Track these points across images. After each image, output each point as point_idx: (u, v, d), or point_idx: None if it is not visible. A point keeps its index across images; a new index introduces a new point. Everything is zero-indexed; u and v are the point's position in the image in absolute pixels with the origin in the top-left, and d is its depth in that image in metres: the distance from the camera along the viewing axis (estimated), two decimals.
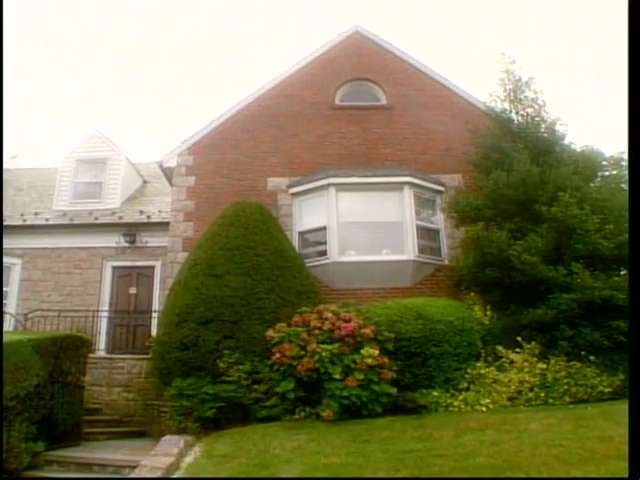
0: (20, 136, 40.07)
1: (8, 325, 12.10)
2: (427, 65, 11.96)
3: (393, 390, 7.01)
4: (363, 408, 6.79)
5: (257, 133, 11.42)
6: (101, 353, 11.64)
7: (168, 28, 44.63)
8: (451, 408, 7.26)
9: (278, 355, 7.21)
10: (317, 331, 7.35)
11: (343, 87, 11.85)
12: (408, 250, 9.91)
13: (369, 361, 6.92)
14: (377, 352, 7.07)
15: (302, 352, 7.08)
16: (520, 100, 10.24)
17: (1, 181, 13.27)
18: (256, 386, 7.33)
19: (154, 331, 10.17)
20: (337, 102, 11.71)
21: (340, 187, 10.36)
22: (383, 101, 11.67)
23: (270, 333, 7.54)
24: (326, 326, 7.38)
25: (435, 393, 7.41)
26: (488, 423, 5.98)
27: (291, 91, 11.76)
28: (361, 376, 6.82)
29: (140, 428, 9.04)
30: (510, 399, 7.40)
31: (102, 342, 12.22)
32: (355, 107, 11.54)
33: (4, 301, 12.86)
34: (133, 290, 13.18)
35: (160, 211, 13.65)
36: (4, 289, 12.96)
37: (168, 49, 46.81)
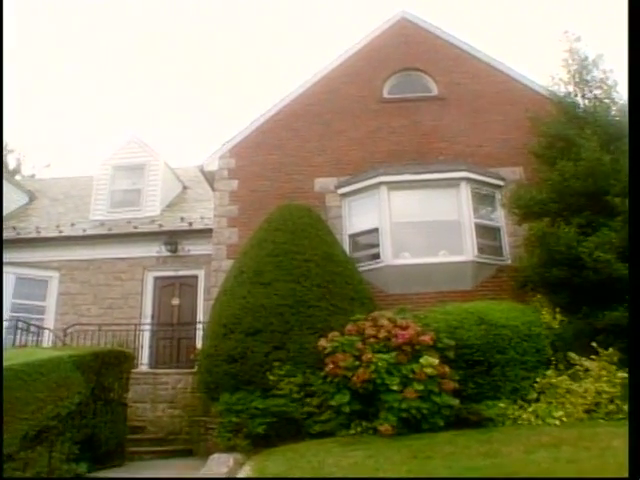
0: (54, 144, 41.78)
1: (47, 341, 12.37)
2: (481, 50, 11.81)
3: (455, 402, 6.89)
4: (423, 421, 6.70)
5: (302, 132, 11.51)
6: (144, 368, 11.75)
7: (203, 27, 45.60)
8: (520, 421, 7.07)
9: (331, 366, 7.16)
10: (372, 340, 7.30)
11: (391, 79, 11.83)
12: (467, 250, 9.80)
13: (429, 371, 6.83)
14: (437, 361, 6.97)
15: (357, 362, 7.03)
16: (586, 82, 9.97)
17: (1, 187, 13.81)
18: (308, 399, 7.31)
19: (199, 343, 10.27)
20: (385, 95, 11.69)
21: (392, 185, 10.35)
22: (435, 91, 11.59)
23: (322, 343, 7.52)
24: (382, 334, 7.33)
25: (501, 404, 7.24)
26: (563, 438, 5.76)
27: (336, 86, 11.81)
28: (420, 387, 6.73)
29: (186, 446, 9.08)
30: (587, 412, 7.14)
31: (145, 356, 12.32)
32: (405, 99, 11.50)
33: (42, 316, 13.22)
34: (176, 301, 13.33)
35: (202, 217, 13.79)
36: (41, 304, 13.38)
37: (202, 49, 47.80)
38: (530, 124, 10.22)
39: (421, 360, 6.95)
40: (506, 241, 10.20)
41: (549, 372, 7.60)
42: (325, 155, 11.22)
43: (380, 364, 6.87)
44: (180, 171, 16.84)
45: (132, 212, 14.72)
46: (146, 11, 46.29)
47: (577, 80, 10.04)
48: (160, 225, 13.95)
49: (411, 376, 6.83)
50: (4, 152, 31.13)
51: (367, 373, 6.85)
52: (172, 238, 13.51)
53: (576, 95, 10.00)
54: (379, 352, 7.09)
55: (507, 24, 40.09)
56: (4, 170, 18.90)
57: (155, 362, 12.43)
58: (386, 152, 11.03)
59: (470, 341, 7.59)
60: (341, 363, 7.09)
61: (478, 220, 10.14)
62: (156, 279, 13.61)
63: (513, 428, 6.82)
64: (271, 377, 7.55)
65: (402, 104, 11.43)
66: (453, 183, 10.29)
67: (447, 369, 7.01)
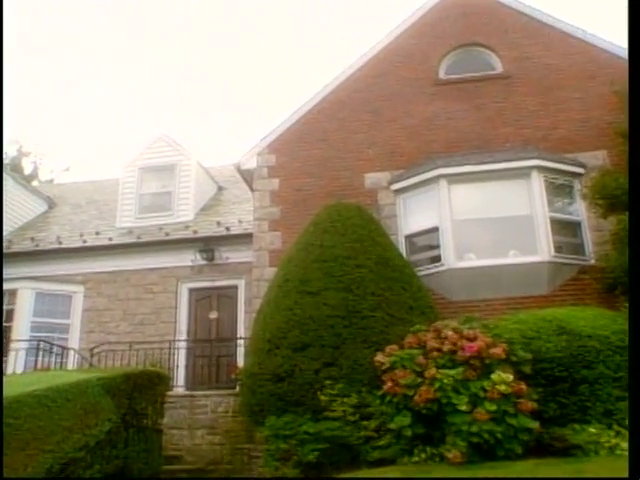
0: (73, 146, 43.00)
1: (72, 362, 12.51)
2: (553, 15, 11.56)
3: (535, 425, 6.65)
4: (498, 447, 6.49)
5: (348, 122, 11.55)
6: (180, 390, 11.84)
7: (229, 12, 46.17)
8: (618, 451, 6.66)
9: (390, 384, 7.06)
10: (435, 353, 7.19)
11: (448, 57, 11.77)
12: (542, 249, 9.62)
13: (502, 388, 6.64)
14: (511, 377, 6.77)
15: (419, 379, 6.90)
16: None
17: (1, 193, 14.10)
18: (365, 422, 7.22)
19: (241, 361, 10.31)
20: (442, 76, 11.64)
21: (452, 178, 10.28)
22: (499, 69, 11.45)
23: (379, 358, 7.47)
24: (446, 347, 7.20)
25: (592, 429, 6.92)
26: None
27: (385, 68, 11.80)
28: (493, 407, 6.54)
29: (229, 477, 9.07)
30: None
31: (181, 377, 12.37)
32: (464, 80, 11.42)
33: (66, 335, 13.48)
34: (214, 315, 13.42)
35: (241, 221, 13.91)
36: (65, 321, 13.65)
37: (229, 36, 48.43)
38: (616, 99, 9.96)
39: (492, 376, 6.78)
40: (588, 237, 9.98)
41: None
42: (376, 147, 11.20)
43: (445, 381, 6.73)
44: (214, 171, 17.04)
45: (163, 217, 14.91)
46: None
47: None
48: (194, 231, 14.08)
49: (481, 395, 6.66)
50: (20, 157, 32.22)
51: (431, 391, 6.73)
52: (208, 245, 13.61)
53: None
54: (444, 367, 6.97)
55: None
56: (19, 176, 19.48)
57: (192, 383, 12.46)
58: (444, 141, 10.98)
59: (549, 354, 7.35)
60: (401, 380, 6.98)
61: (554, 214, 9.94)
62: (191, 291, 13.71)
63: (609, 459, 6.42)
64: (322, 397, 7.51)
65: (461, 85, 11.36)
66: (523, 173, 10.14)
67: (523, 386, 6.79)
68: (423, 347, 7.35)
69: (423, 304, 8.69)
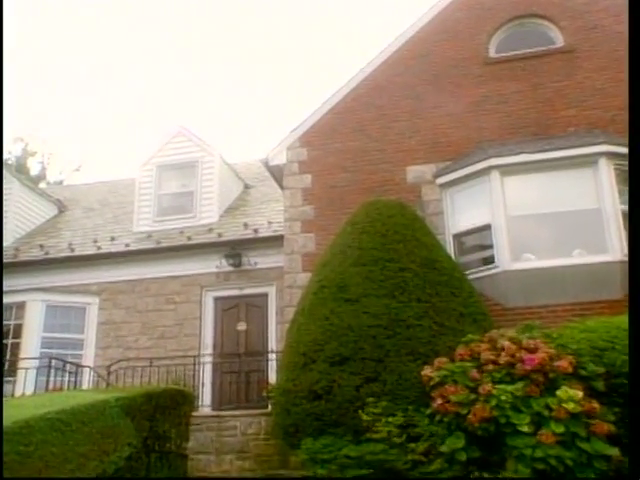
0: (84, 144, 43.57)
1: (87, 381, 12.55)
2: None
3: (613, 451, 6.34)
4: (568, 475, 6.25)
5: (388, 109, 11.51)
6: (206, 410, 11.80)
7: None
8: None
9: (440, 401, 6.93)
10: (491, 366, 7.03)
11: (499, 32, 11.64)
12: (613, 247, 9.45)
13: (570, 406, 6.40)
14: (581, 394, 6.52)
15: (473, 396, 6.72)
16: None
17: (0, 187, 14.28)
18: (413, 445, 7.06)
19: (273, 377, 10.39)
20: (492, 54, 11.53)
21: (506, 169, 10.19)
22: (559, 42, 11.28)
23: (427, 372, 7.38)
24: (503, 359, 7.04)
25: None
26: None
27: (428, 48, 11.74)
28: (560, 428, 6.30)
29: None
30: None
31: (207, 396, 12.37)
32: (519, 57, 11.28)
33: (80, 352, 13.57)
34: (242, 326, 13.43)
35: (270, 222, 13.92)
36: (78, 336, 13.73)
37: (249, 20, 48.66)
38: None
39: (558, 392, 6.55)
40: None
41: None
42: (418, 137, 11.15)
43: (503, 398, 6.53)
44: (240, 167, 17.15)
45: (184, 220, 14.99)
46: None
47: None
48: (219, 234, 14.12)
49: (546, 414, 6.45)
50: (25, 157, 32.63)
51: (487, 410, 6.54)
52: (234, 249, 13.64)
53: None
54: (501, 382, 6.80)
55: None
56: (24, 177, 19.83)
57: (219, 402, 12.49)
58: (496, 127, 10.91)
59: (626, 368, 7.00)
60: (452, 397, 6.82)
61: (626, 207, 9.56)
62: (217, 300, 13.75)
63: None
64: (364, 417, 7.42)
65: (515, 64, 11.23)
66: (589, 161, 9.97)
67: (596, 405, 6.54)
68: (477, 359, 7.25)
69: (475, 311, 8.65)
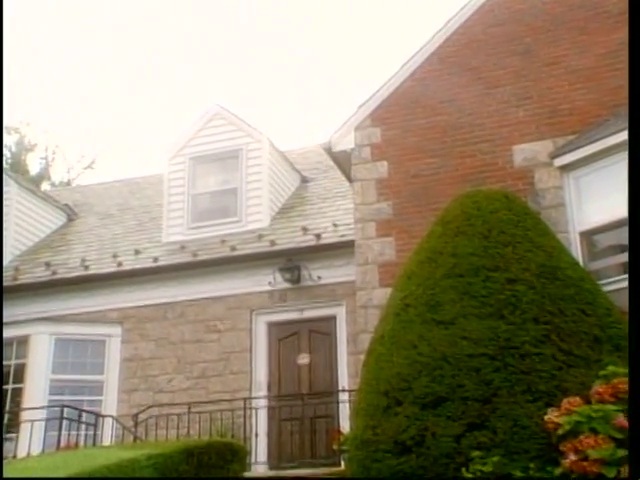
0: (98, 134, 42.48)
1: (109, 435, 11.63)
2: None
3: None
4: None
5: (486, 71, 10.41)
6: (261, 469, 11.06)
7: None
8: None
9: (573, 457, 6.17)
10: None
11: None
12: None
13: None
14: None
15: (621, 452, 5.98)
16: None
17: (1, 200, 13.46)
18: None
19: (346, 425, 9.38)
20: None
21: None
22: None
23: (552, 417, 6.57)
24: None
25: None
26: None
27: None
28: None
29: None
30: None
31: (261, 450, 11.53)
32: None
33: (99, 397, 12.61)
34: (305, 359, 12.42)
35: (336, 225, 12.88)
36: (97, 377, 12.74)
37: None
38: None
39: None
40: None
41: None
42: (528, 105, 10.09)
43: None
44: (295, 156, 16.39)
45: (226, 226, 13.89)
46: None
47: None
48: (271, 242, 13.02)
49: None
50: (23, 152, 30.75)
51: None
52: (291, 261, 12.61)
53: None
54: None
55: None
56: (22, 178, 19.08)
57: (277, 458, 11.54)
58: None
59: None
60: (591, 453, 6.10)
61: None
62: (271, 326, 12.72)
63: None
64: (469, 476, 6.58)
65: None
66: None
67: None
68: (622, 400, 6.50)
69: (616, 334, 7.62)
